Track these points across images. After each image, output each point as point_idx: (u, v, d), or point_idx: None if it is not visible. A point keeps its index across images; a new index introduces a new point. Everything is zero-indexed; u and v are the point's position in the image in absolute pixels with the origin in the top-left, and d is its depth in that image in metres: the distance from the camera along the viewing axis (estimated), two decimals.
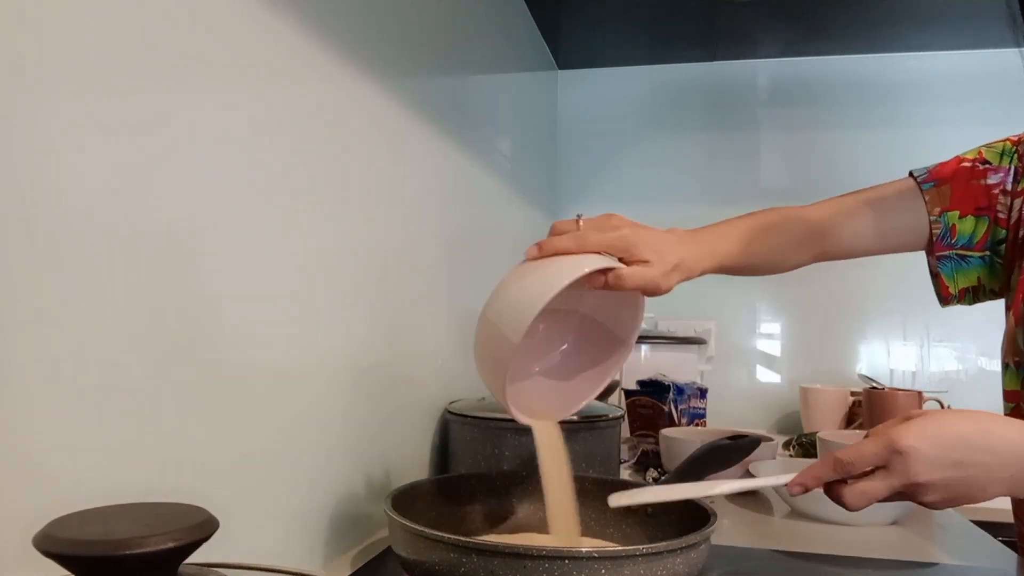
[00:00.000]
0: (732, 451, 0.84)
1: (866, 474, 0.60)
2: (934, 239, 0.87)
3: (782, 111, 1.97)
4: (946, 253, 0.87)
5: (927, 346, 1.86)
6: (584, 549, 0.54)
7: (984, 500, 0.61)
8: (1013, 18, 0.74)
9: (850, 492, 0.60)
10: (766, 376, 1.96)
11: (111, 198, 0.49)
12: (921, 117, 1.85)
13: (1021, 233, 0.82)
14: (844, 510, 0.61)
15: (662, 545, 0.56)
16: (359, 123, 0.84)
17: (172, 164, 0.54)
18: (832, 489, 0.62)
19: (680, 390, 1.39)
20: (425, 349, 1.04)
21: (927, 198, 0.87)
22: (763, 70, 1.97)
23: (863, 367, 1.88)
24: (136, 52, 0.51)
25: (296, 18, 0.70)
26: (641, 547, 0.55)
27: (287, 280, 0.70)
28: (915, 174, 0.90)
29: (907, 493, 0.60)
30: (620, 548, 0.55)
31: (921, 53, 1.85)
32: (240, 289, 0.63)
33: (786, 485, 0.63)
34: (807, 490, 0.63)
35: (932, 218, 0.87)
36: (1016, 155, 0.85)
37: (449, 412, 0.99)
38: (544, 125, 1.93)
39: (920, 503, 0.61)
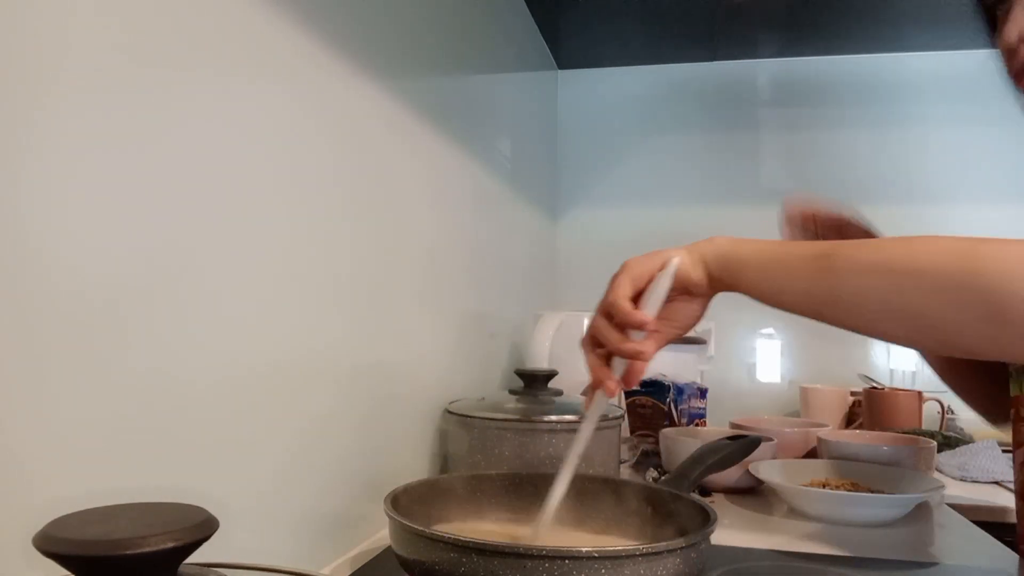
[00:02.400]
0: (732, 451, 0.84)
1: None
2: None
3: (783, 111, 1.97)
4: None
5: None
6: (584, 549, 0.54)
7: (665, 253, 0.65)
8: (979, 19, 0.75)
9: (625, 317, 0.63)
10: (766, 376, 1.96)
11: (109, 197, 0.49)
12: (922, 117, 1.85)
13: None
14: (844, 510, 0.61)
15: (662, 545, 0.56)
16: (358, 123, 0.84)
17: (178, 161, 0.54)
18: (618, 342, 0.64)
19: (680, 390, 1.39)
20: (425, 349, 1.04)
21: None
22: (763, 70, 1.97)
23: (863, 367, 1.88)
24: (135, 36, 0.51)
25: (294, 16, 0.70)
26: (641, 547, 0.55)
27: (287, 280, 0.70)
28: None
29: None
30: (620, 548, 0.55)
31: (922, 53, 1.85)
32: (241, 289, 0.63)
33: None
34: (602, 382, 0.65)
35: None
36: None
37: (449, 412, 0.99)
38: (544, 125, 1.93)
39: (616, 273, 0.65)
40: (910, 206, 1.85)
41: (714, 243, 0.66)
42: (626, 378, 0.65)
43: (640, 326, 0.63)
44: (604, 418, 1.00)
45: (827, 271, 0.60)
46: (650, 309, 0.64)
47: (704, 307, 0.68)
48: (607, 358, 0.66)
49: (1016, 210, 1.71)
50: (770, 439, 1.14)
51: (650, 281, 0.65)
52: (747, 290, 0.65)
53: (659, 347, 0.66)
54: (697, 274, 0.66)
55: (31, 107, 0.43)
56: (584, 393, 0.68)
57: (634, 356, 0.64)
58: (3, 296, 0.42)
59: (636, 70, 2.02)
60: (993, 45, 0.76)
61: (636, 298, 0.65)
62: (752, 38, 1.86)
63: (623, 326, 0.64)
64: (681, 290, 0.66)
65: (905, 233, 0.60)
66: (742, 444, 0.85)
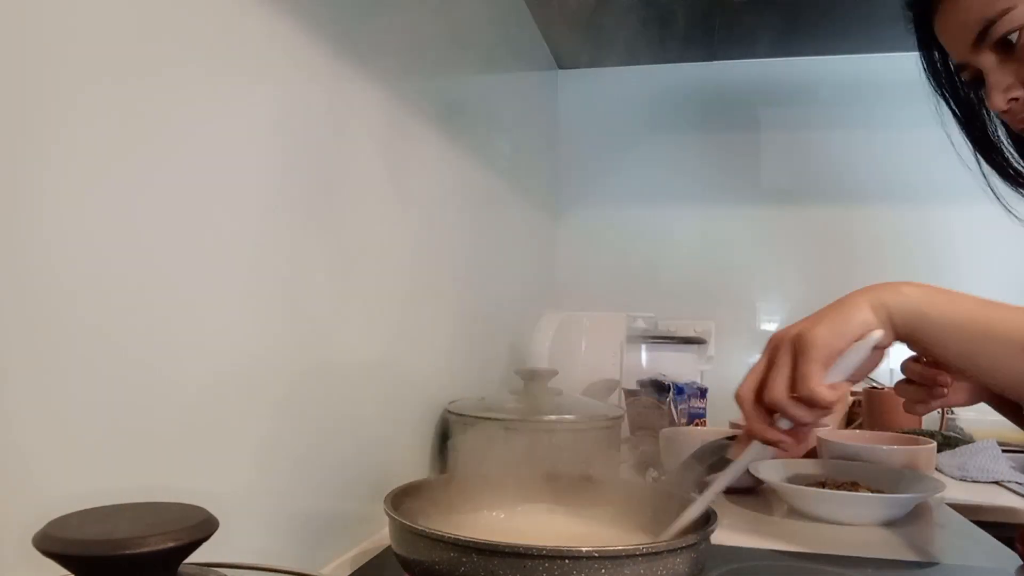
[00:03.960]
0: (731, 450, 0.84)
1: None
2: None
3: (783, 111, 1.96)
4: None
5: None
6: (584, 549, 0.54)
7: (855, 317, 0.60)
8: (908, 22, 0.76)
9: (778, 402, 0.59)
10: None
11: (112, 201, 0.49)
12: (923, 117, 1.85)
13: None
14: (844, 510, 0.61)
15: (662, 545, 0.56)
16: (357, 123, 0.84)
17: (172, 162, 0.54)
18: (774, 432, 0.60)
19: (680, 390, 1.39)
20: (425, 349, 1.04)
21: None
22: (764, 70, 1.97)
23: None
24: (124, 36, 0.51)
25: (293, 16, 0.70)
26: (641, 546, 0.55)
27: (287, 280, 0.70)
28: None
29: (784, 346, 0.59)
30: (620, 548, 0.55)
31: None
32: (242, 289, 0.63)
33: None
34: (768, 440, 0.61)
35: None
36: None
37: (449, 412, 0.99)
38: (544, 125, 1.93)
39: (801, 344, 0.59)
40: (911, 206, 1.85)
41: (902, 295, 0.60)
42: (798, 445, 0.61)
43: (830, 407, 0.58)
44: (604, 417, 0.99)
45: None
46: (839, 378, 0.59)
47: (881, 358, 0.63)
48: (770, 413, 0.61)
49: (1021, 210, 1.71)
50: None
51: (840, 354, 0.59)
52: (936, 357, 0.60)
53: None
54: (885, 337, 0.60)
55: (30, 108, 0.43)
56: (733, 439, 0.65)
57: (817, 426, 0.60)
58: (4, 297, 0.42)
59: (636, 70, 2.02)
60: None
61: None
62: (752, 38, 1.86)
63: (811, 405, 0.58)
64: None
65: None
66: None
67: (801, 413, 0.59)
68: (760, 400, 0.60)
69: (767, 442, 0.61)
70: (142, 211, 0.52)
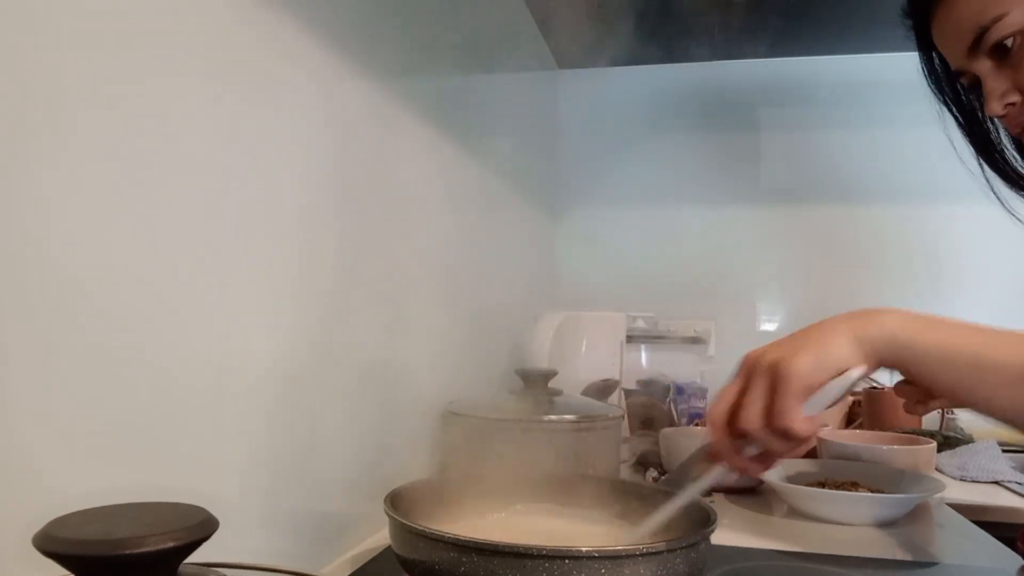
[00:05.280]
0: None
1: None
2: None
3: (783, 111, 1.96)
4: None
5: None
6: (584, 549, 0.54)
7: (836, 351, 0.57)
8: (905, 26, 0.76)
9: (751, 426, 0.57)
10: None
11: (108, 200, 0.49)
12: (924, 116, 1.85)
13: None
14: (844, 510, 0.61)
15: (661, 545, 0.56)
16: (356, 123, 0.84)
17: (178, 162, 0.54)
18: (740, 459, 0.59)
19: (680, 390, 1.39)
20: (425, 349, 1.04)
21: None
22: (764, 70, 1.97)
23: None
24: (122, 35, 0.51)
25: (291, 16, 0.70)
26: (641, 546, 0.55)
27: (288, 281, 0.70)
28: None
29: (760, 372, 0.57)
30: (620, 547, 0.55)
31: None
32: (241, 290, 0.63)
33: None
34: (735, 467, 0.60)
35: None
36: None
37: (449, 412, 0.99)
38: (544, 125, 1.93)
39: (779, 374, 0.56)
40: (912, 205, 1.85)
41: (884, 327, 0.58)
42: (763, 471, 0.61)
43: (804, 440, 0.57)
44: (604, 417, 1.00)
45: None
46: (813, 412, 0.57)
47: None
48: (741, 437, 0.59)
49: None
50: None
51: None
52: (929, 386, 0.58)
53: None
54: (867, 372, 0.58)
55: (30, 109, 0.43)
56: (697, 459, 0.63)
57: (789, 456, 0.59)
58: (5, 297, 0.42)
59: (636, 70, 2.02)
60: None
61: None
62: (752, 38, 1.86)
63: (786, 438, 0.57)
64: None
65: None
66: None
67: (775, 445, 0.58)
68: (732, 424, 0.59)
69: (733, 469, 0.60)
70: (142, 211, 0.52)
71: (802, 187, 1.93)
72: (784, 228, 1.93)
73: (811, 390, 0.57)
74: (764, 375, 0.57)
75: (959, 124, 0.81)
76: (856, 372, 0.57)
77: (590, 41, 1.88)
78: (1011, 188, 0.81)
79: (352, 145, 0.82)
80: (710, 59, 1.96)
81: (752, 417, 0.57)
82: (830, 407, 0.60)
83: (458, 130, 1.17)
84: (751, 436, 0.58)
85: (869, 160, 1.89)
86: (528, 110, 1.76)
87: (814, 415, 0.57)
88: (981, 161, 0.81)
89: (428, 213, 1.05)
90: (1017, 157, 0.79)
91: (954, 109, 0.81)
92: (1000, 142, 0.80)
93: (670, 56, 1.95)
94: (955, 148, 0.86)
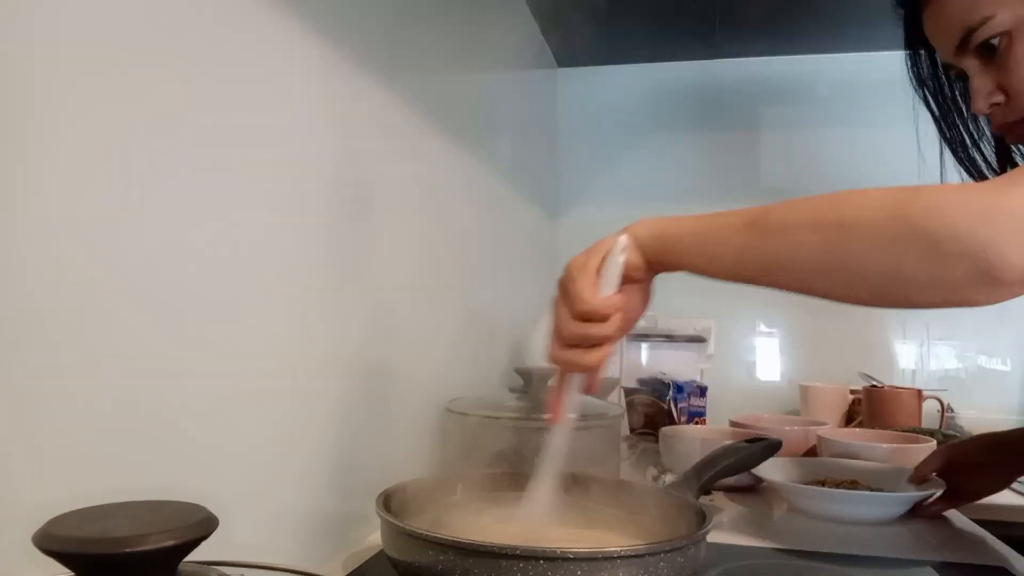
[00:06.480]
0: (748, 454, 0.83)
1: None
2: None
3: (783, 109, 1.96)
4: None
5: (927, 344, 1.86)
6: (559, 549, 0.53)
7: (604, 241, 0.65)
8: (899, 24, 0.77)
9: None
10: (765, 374, 1.96)
11: (99, 200, 0.49)
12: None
13: None
14: (843, 508, 0.61)
15: (642, 548, 0.55)
16: (357, 123, 0.84)
17: (172, 161, 0.54)
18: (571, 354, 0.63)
19: (680, 388, 1.39)
20: (425, 348, 1.04)
21: None
22: (763, 68, 1.97)
23: (863, 365, 1.88)
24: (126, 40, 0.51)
25: (291, 15, 0.70)
26: (619, 548, 0.55)
27: (287, 279, 0.70)
28: None
29: (556, 293, 0.64)
30: (597, 549, 0.54)
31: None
32: (239, 289, 0.63)
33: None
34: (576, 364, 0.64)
35: None
36: None
37: (449, 410, 0.99)
38: (544, 124, 1.93)
39: (564, 278, 0.64)
40: None
41: (644, 224, 0.68)
42: (590, 384, 0.66)
43: (608, 315, 0.62)
44: (604, 416, 1.00)
45: (759, 234, 0.60)
46: (609, 291, 0.63)
47: (647, 293, 0.68)
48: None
49: None
50: (778, 441, 1.13)
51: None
52: (683, 265, 0.65)
53: (621, 335, 0.65)
54: (636, 258, 0.65)
55: (30, 107, 0.43)
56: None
57: (606, 343, 0.63)
58: (6, 297, 0.42)
59: (636, 68, 2.02)
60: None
61: None
62: (752, 36, 1.86)
63: (586, 318, 0.63)
64: (624, 278, 0.65)
65: None
66: (762, 447, 0.84)
67: (591, 330, 0.62)
68: (560, 343, 0.64)
69: (577, 368, 0.64)
70: (140, 211, 0.52)
71: (801, 185, 1.92)
72: None
73: (591, 272, 0.63)
74: (558, 289, 0.65)
75: (934, 117, 0.82)
76: (621, 240, 0.65)
77: (589, 39, 1.87)
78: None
79: (351, 144, 0.82)
80: (709, 57, 1.96)
81: (563, 320, 0.63)
82: (622, 288, 0.65)
83: (458, 129, 1.17)
84: (571, 333, 0.63)
85: (869, 158, 1.88)
86: (528, 108, 1.76)
87: (610, 295, 0.63)
88: (943, 155, 0.83)
89: (428, 211, 1.05)
90: (991, 156, 0.80)
91: (932, 103, 0.82)
92: (977, 139, 0.80)
93: (670, 54, 1.95)
94: (918, 145, 0.86)
